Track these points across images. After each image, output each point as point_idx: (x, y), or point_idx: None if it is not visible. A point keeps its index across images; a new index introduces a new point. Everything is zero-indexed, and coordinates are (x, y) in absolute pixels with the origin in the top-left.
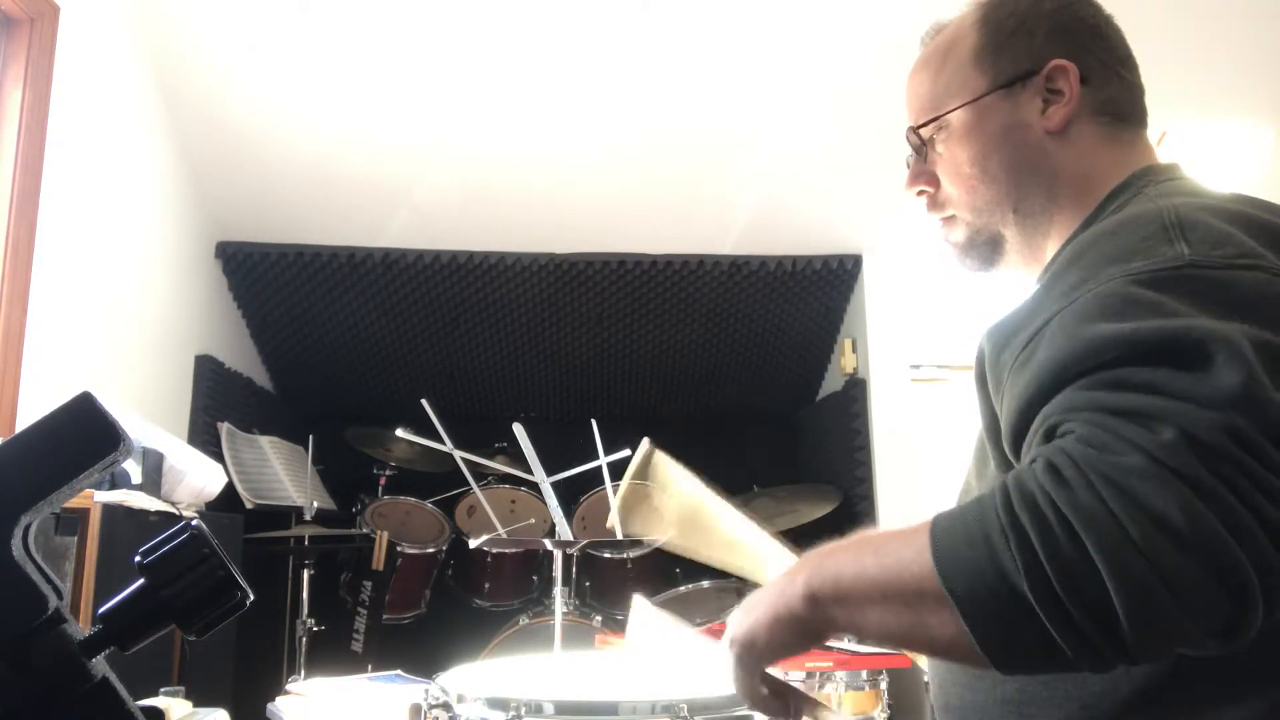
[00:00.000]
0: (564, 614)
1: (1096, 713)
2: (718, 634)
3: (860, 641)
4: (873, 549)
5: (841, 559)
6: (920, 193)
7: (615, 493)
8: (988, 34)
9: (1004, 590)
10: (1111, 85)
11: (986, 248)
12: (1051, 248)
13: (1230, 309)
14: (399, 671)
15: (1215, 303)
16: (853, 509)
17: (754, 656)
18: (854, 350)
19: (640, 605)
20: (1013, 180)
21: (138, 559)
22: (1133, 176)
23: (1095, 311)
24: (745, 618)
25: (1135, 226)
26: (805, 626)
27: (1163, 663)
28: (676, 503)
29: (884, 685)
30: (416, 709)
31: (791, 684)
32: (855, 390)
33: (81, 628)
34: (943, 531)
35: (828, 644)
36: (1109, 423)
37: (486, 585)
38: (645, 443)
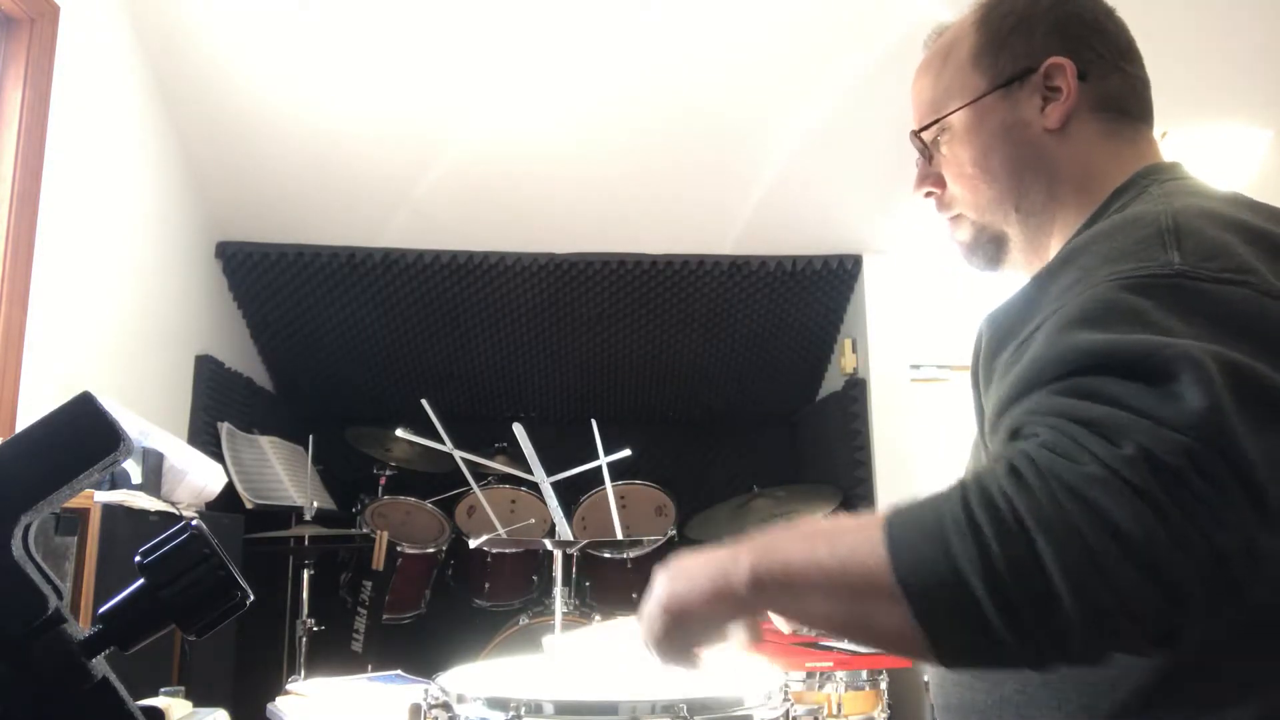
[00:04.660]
0: (564, 614)
1: (1097, 713)
2: None
3: (797, 628)
4: (825, 538)
5: (791, 546)
6: (928, 194)
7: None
8: (986, 34)
9: (956, 585)
10: (1112, 80)
11: (991, 246)
12: (1055, 245)
13: (1212, 323)
14: (399, 671)
15: (1199, 315)
16: (853, 509)
17: (684, 627)
18: (854, 350)
19: (550, 646)
20: (1013, 179)
21: (138, 559)
22: (1137, 175)
23: (1078, 317)
24: (676, 585)
25: (1132, 229)
26: (744, 607)
27: (1163, 663)
28: None
29: (884, 685)
30: (416, 709)
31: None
32: (855, 390)
33: (81, 628)
34: (899, 525)
35: (827, 645)
36: (1073, 431)
37: (486, 585)
38: None
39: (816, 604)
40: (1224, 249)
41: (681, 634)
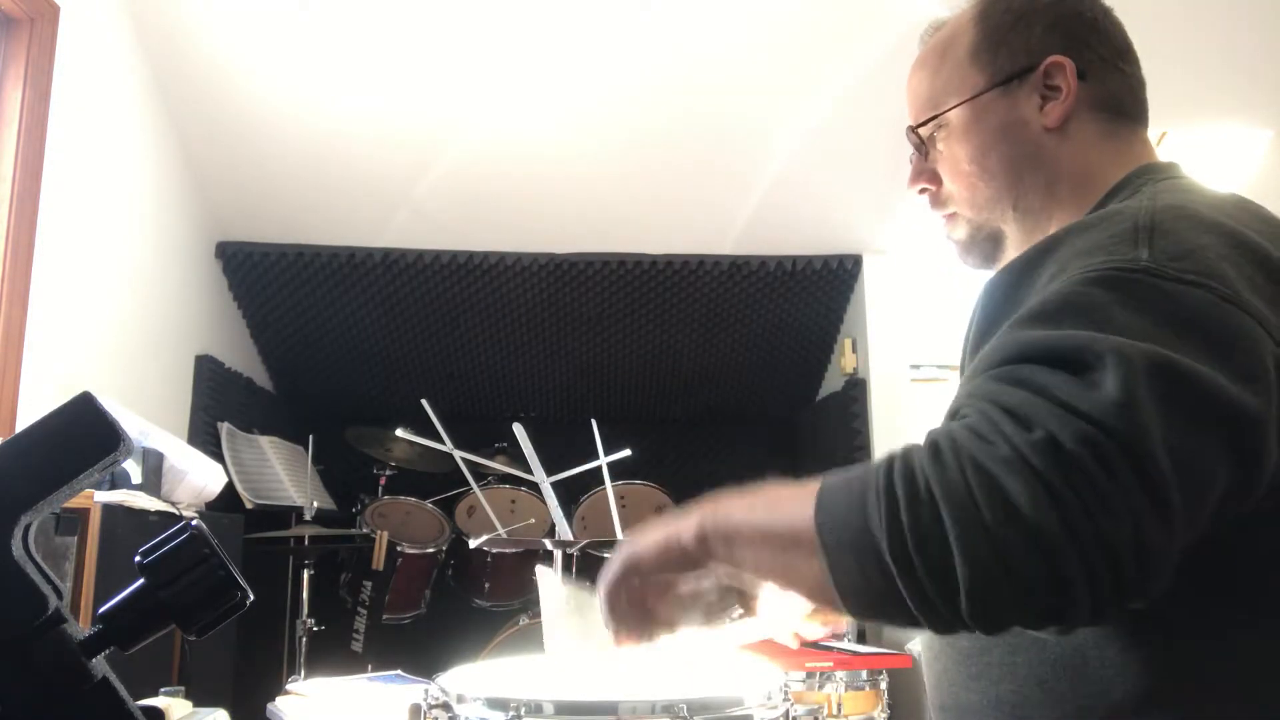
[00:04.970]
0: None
1: (1093, 714)
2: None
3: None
4: (765, 499)
5: (735, 505)
6: (922, 191)
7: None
8: (985, 31)
9: (866, 544)
10: (1111, 80)
11: (988, 244)
12: None
13: (1162, 322)
14: (399, 671)
15: (1153, 312)
16: None
17: (634, 572)
18: (854, 350)
19: (545, 574)
20: (1012, 177)
21: (138, 559)
22: (1132, 174)
23: (1036, 312)
24: (632, 546)
25: (1110, 223)
26: (689, 557)
27: (1158, 661)
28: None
29: (884, 685)
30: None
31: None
32: (855, 390)
33: (81, 628)
34: (829, 489)
35: (827, 645)
36: (994, 415)
37: (486, 585)
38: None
39: (751, 554)
40: (1195, 251)
41: (632, 585)
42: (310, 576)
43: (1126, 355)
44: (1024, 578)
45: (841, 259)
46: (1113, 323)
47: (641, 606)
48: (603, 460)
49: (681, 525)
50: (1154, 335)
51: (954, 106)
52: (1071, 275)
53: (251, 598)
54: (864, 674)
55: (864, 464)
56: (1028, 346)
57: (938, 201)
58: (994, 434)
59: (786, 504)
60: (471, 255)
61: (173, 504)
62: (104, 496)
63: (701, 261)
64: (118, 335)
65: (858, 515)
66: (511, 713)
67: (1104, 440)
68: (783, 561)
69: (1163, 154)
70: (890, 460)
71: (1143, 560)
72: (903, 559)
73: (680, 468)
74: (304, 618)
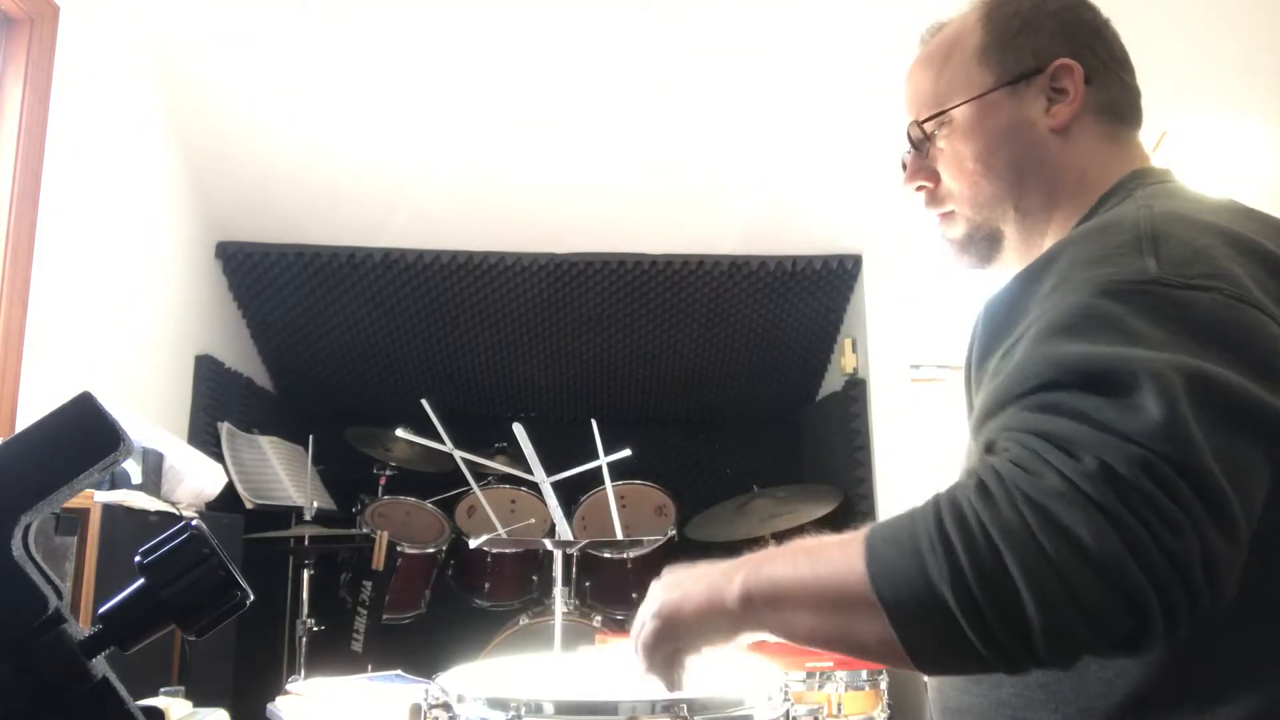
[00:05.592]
0: (564, 614)
1: (1093, 715)
2: None
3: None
4: (809, 556)
5: (778, 564)
6: (919, 188)
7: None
8: (992, 31)
9: (930, 598)
10: (1113, 86)
11: (985, 244)
12: (1048, 245)
13: (1183, 331)
14: (399, 671)
15: (1172, 322)
16: (853, 509)
17: (673, 633)
18: (854, 350)
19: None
20: (1015, 176)
21: (138, 559)
22: (1123, 179)
23: (1057, 326)
24: (673, 595)
25: (1112, 233)
26: (734, 623)
27: (1158, 665)
28: None
29: (884, 685)
30: (416, 709)
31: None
32: (855, 390)
33: (81, 628)
34: (877, 541)
35: None
36: (1037, 446)
37: (486, 585)
38: None
39: (802, 619)
40: (1200, 254)
41: (670, 640)
42: (310, 576)
43: (1159, 371)
44: (1098, 610)
45: (841, 259)
46: (1132, 336)
47: (677, 663)
48: (603, 460)
49: (722, 583)
50: (1175, 345)
51: (961, 104)
52: (1078, 286)
53: (251, 598)
54: (864, 674)
55: (908, 512)
56: (1053, 368)
57: (934, 199)
58: (1040, 466)
59: (832, 560)
60: (471, 255)
61: (173, 504)
62: (104, 496)
63: (701, 261)
64: (118, 335)
65: (914, 567)
66: (511, 713)
67: (1158, 461)
68: (839, 625)
69: (1164, 153)
70: (937, 505)
71: (1212, 575)
72: (969, 608)
73: (680, 468)
74: (304, 618)
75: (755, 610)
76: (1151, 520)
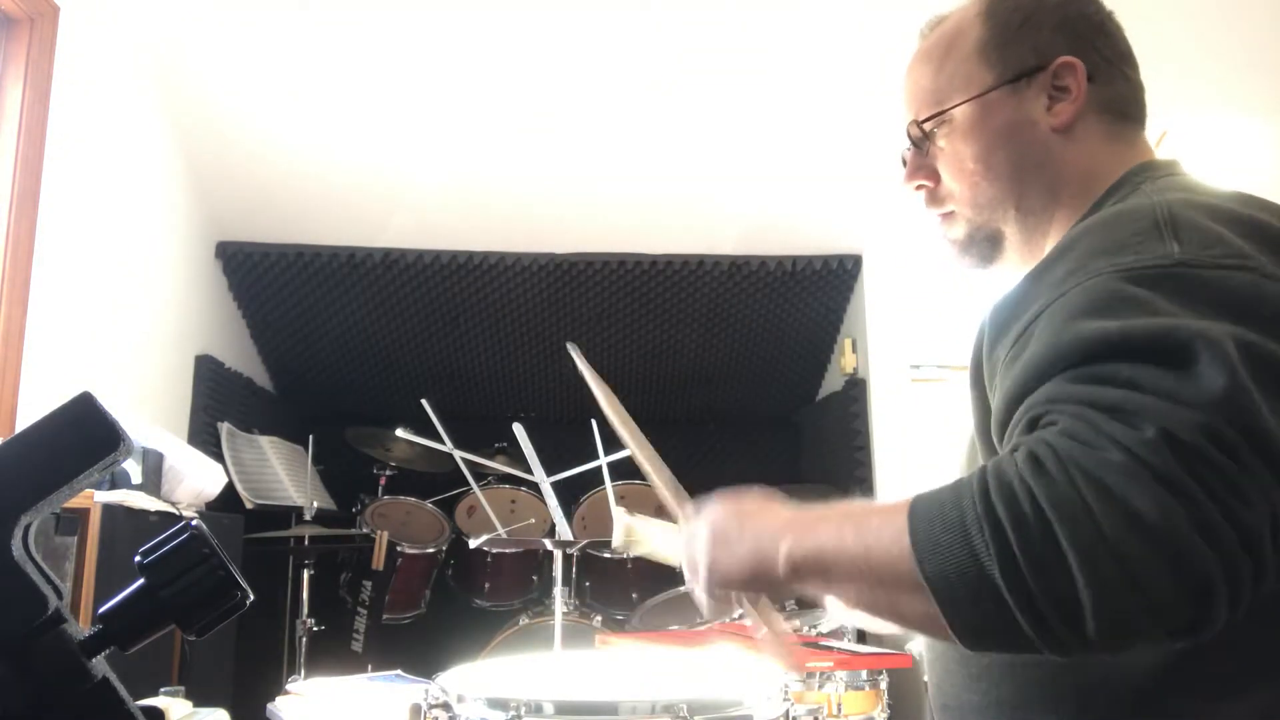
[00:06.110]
0: (564, 614)
1: (1093, 713)
2: (723, 634)
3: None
4: (854, 526)
5: (823, 532)
6: (919, 187)
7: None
8: (993, 28)
9: (976, 577)
10: (1116, 83)
11: (986, 245)
12: (1050, 245)
13: (1218, 309)
14: (399, 671)
15: (1203, 303)
16: None
17: (722, 588)
18: (854, 350)
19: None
20: (1016, 177)
21: (138, 559)
22: (1130, 172)
23: (1083, 306)
24: (718, 552)
25: (1127, 221)
26: (779, 587)
27: (1158, 662)
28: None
29: (884, 685)
30: (416, 709)
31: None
32: (855, 390)
33: (81, 628)
34: (921, 515)
35: (827, 645)
36: (1092, 417)
37: (486, 585)
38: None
39: (848, 590)
40: (1220, 237)
41: (718, 591)
42: (310, 576)
43: (1216, 338)
44: (1158, 592)
45: (841, 259)
46: (1171, 314)
47: (726, 601)
48: (603, 460)
49: (769, 548)
50: (1219, 320)
51: (961, 103)
52: (1100, 271)
53: (251, 598)
54: (864, 674)
55: (952, 484)
56: (1099, 342)
57: (934, 199)
58: (1098, 438)
59: (875, 532)
60: (471, 255)
61: (173, 504)
62: (104, 496)
63: (701, 261)
64: (118, 335)
65: (959, 544)
66: (511, 713)
67: (1224, 427)
68: (884, 599)
69: (1164, 152)
70: (983, 478)
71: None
72: (1019, 587)
73: (680, 468)
74: (304, 618)
75: (800, 577)
76: (1219, 489)
